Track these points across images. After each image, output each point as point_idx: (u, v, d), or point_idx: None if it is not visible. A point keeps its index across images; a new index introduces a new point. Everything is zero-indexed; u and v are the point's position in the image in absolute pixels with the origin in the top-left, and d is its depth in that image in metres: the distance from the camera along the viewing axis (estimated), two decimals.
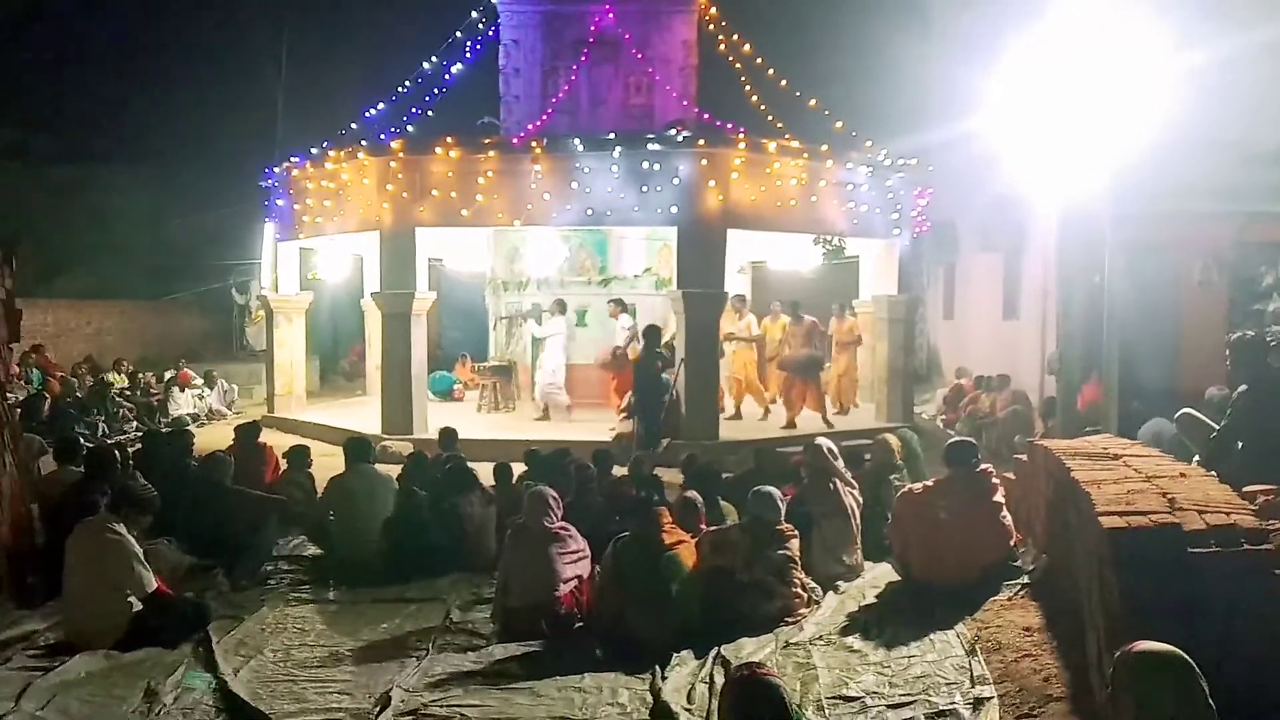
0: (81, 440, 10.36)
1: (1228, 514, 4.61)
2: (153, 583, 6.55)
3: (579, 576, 7.05)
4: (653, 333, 13.19)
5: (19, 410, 9.26)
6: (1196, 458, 7.15)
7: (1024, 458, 8.12)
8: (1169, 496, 4.96)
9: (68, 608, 6.55)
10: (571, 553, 7.05)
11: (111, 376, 18.15)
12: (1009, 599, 6.64)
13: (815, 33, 23.28)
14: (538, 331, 15.45)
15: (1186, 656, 3.04)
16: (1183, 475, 5.55)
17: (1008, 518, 7.26)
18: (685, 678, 5.95)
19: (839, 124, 16.21)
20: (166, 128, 28.35)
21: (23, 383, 15.26)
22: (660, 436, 12.87)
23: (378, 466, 9.31)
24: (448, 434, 10.65)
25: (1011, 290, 17.63)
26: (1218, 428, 7.09)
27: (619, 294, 15.88)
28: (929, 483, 7.66)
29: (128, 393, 17.62)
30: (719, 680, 5.75)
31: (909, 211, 15.74)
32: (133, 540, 6.55)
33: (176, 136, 28.21)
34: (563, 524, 7.15)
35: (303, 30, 27.84)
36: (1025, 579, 6.89)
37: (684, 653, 6.27)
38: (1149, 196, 9.82)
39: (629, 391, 14.53)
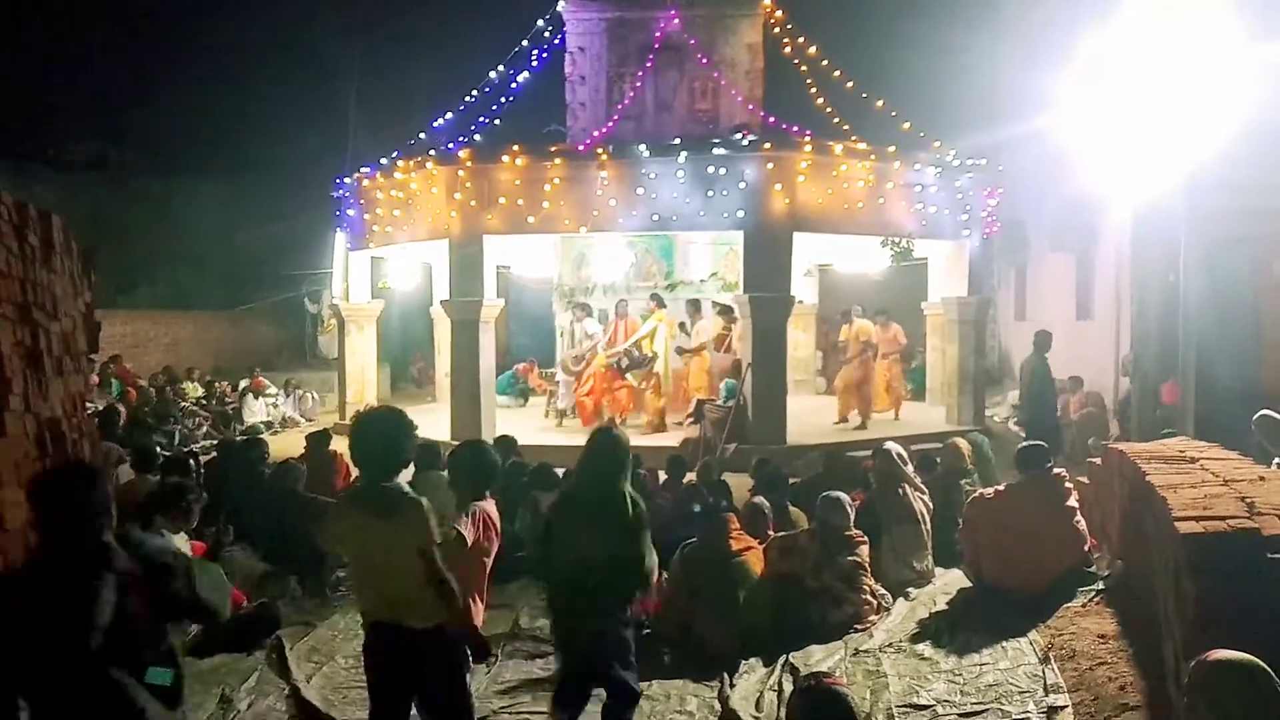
0: (158, 449, 10.59)
1: None
2: None
3: None
4: (1043, 337, 12.59)
5: (96, 420, 9.48)
6: (1277, 460, 6.96)
7: (1098, 461, 7.97)
8: (1248, 500, 4.83)
9: None
10: None
11: (187, 386, 18.55)
12: (1083, 605, 6.52)
13: (882, 32, 23.07)
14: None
15: (1265, 665, 2.96)
16: (1262, 479, 5.40)
17: (1082, 523, 7.13)
18: (753, 685, 5.93)
19: (906, 124, 16.03)
20: (241, 140, 29.06)
21: (102, 392, 15.65)
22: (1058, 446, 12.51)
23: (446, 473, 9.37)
24: (505, 442, 10.66)
25: (1084, 290, 17.33)
26: None
27: (688, 297, 15.84)
28: (1000, 487, 7.56)
29: (203, 401, 17.99)
30: (787, 688, 5.72)
31: (978, 212, 15.52)
32: (171, 537, 6.55)
33: (250, 148, 28.89)
34: None
35: (373, 43, 28.32)
36: (1100, 585, 6.77)
37: (752, 660, 6.25)
38: (1226, 192, 9.57)
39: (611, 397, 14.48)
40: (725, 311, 15.22)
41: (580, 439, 13.36)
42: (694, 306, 15.30)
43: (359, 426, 4.50)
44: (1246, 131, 8.83)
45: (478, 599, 4.93)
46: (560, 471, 9.35)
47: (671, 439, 13.69)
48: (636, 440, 13.12)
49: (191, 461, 9.49)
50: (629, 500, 4.98)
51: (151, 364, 21.89)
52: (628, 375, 14.51)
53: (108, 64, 28.76)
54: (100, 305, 8.12)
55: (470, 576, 4.97)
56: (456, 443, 5.48)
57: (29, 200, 6.04)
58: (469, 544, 4.80)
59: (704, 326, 15.14)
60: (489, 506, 4.92)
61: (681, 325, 15.34)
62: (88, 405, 7.66)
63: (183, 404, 17.23)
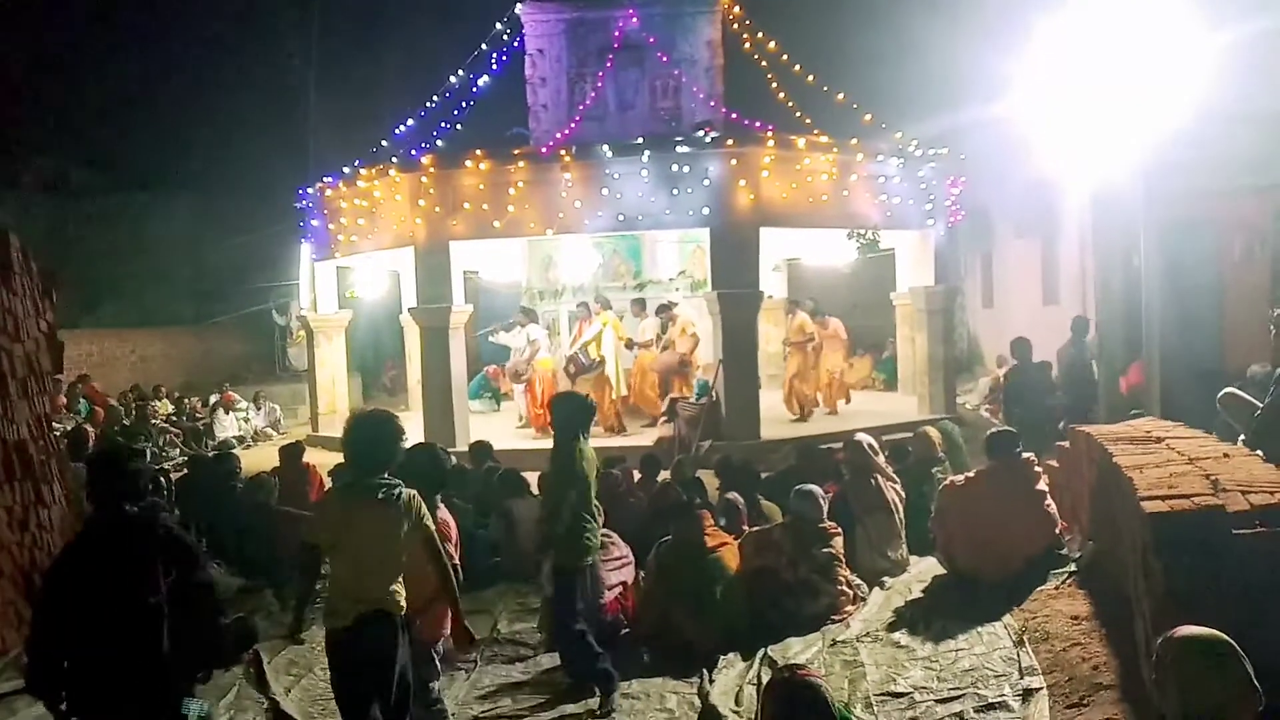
0: None
1: (1272, 493, 4.54)
2: None
3: (623, 583, 7.07)
4: (1081, 323, 12.18)
5: (65, 441, 9.39)
6: (1241, 437, 7.04)
7: (1067, 444, 8.04)
8: (1212, 478, 4.89)
9: None
10: (615, 559, 7.06)
11: (158, 405, 18.39)
12: (1056, 588, 6.59)
13: (840, 21, 23.15)
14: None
15: (1229, 640, 2.99)
16: (1226, 456, 5.47)
17: (1052, 506, 7.19)
18: (733, 680, 5.95)
19: (868, 116, 16.12)
20: (202, 154, 28.80)
21: (70, 413, 15.48)
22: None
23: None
24: (481, 447, 10.68)
25: (1050, 275, 17.46)
26: (1261, 405, 6.98)
27: (654, 297, 15.83)
28: (971, 474, 7.61)
29: (174, 418, 17.84)
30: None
31: (942, 201, 15.62)
32: None
33: (212, 162, 28.64)
34: (605, 531, 7.15)
35: (332, 53, 28.17)
36: (1072, 567, 6.83)
37: (730, 655, 6.28)
38: (1185, 174, 9.65)
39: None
40: (664, 309, 15.04)
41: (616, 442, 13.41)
42: (639, 305, 15.28)
43: (352, 426, 4.69)
44: (1204, 114, 8.92)
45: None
46: (534, 477, 9.34)
47: (632, 440, 13.71)
48: (597, 442, 13.21)
49: (162, 479, 9.42)
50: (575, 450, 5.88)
51: (119, 382, 21.69)
52: (578, 380, 14.55)
53: (67, 82, 28.42)
54: (64, 325, 8.07)
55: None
56: None
57: None
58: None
59: (649, 324, 15.08)
60: (443, 513, 5.15)
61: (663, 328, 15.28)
62: (55, 426, 7.60)
63: (154, 422, 17.07)
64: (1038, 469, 7.30)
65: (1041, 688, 5.25)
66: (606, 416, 14.48)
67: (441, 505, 5.26)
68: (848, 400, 16.64)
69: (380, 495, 4.43)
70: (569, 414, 6.05)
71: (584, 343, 14.51)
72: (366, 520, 4.43)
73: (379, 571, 4.43)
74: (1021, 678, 5.42)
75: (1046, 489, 7.23)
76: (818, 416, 15.39)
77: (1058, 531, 7.19)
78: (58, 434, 8.05)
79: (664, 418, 14.02)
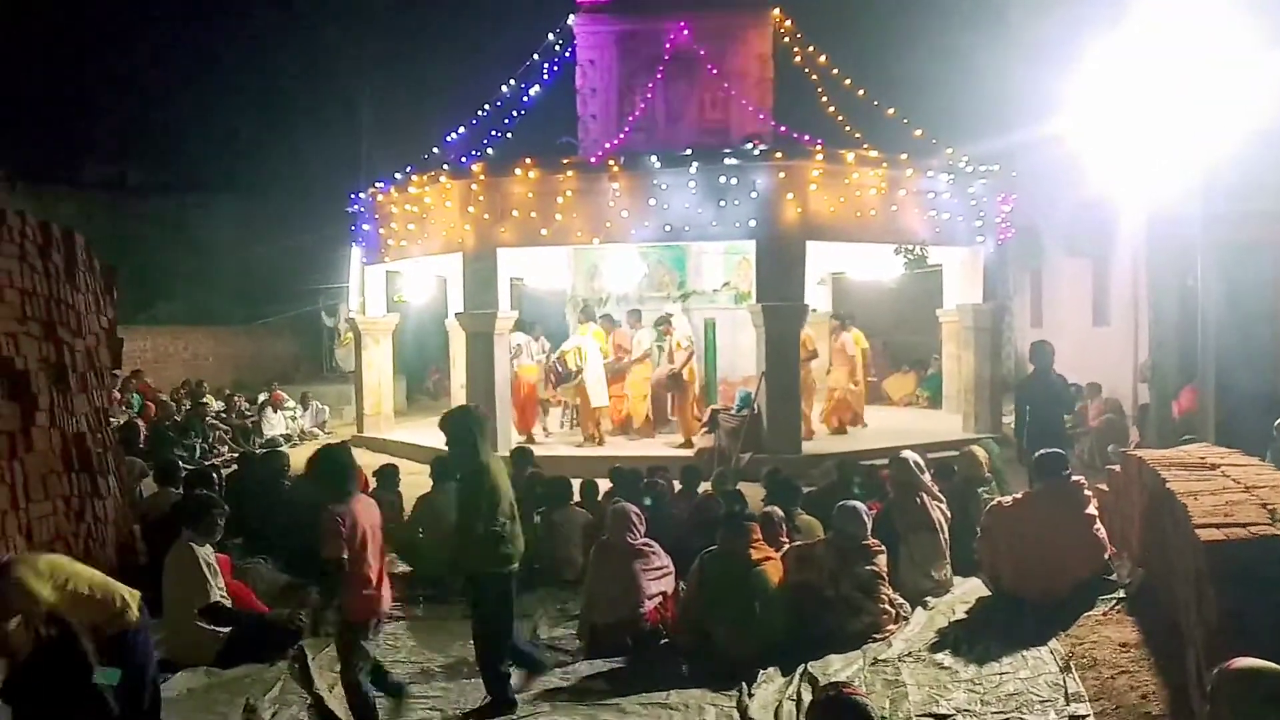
0: (180, 463, 10.65)
1: None
2: (212, 593, 6.66)
3: (664, 593, 7.07)
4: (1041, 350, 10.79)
5: (117, 435, 9.55)
6: None
7: (1117, 468, 7.93)
8: (1269, 507, 4.82)
9: (165, 626, 6.70)
10: (656, 569, 7.07)
11: (208, 399, 18.66)
12: (1104, 614, 6.48)
13: (893, 39, 23.08)
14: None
15: None
16: None
17: (1101, 530, 7.09)
18: (772, 695, 5.92)
19: (918, 131, 16.02)
20: (257, 157, 29.21)
21: (125, 408, 15.74)
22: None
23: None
24: (522, 453, 10.74)
25: (1101, 296, 17.27)
26: None
27: (700, 308, 15.86)
28: (1018, 495, 7.53)
29: (223, 415, 18.08)
30: (806, 698, 5.72)
31: (992, 218, 15.49)
32: (199, 549, 6.68)
33: (266, 165, 29.04)
34: (646, 540, 7.17)
35: (386, 59, 28.44)
36: (1121, 593, 6.72)
37: (770, 669, 6.24)
38: (1241, 195, 9.52)
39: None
40: (662, 321, 14.89)
41: (599, 452, 13.48)
42: (635, 316, 15.25)
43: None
44: (1262, 135, 8.80)
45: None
46: (576, 483, 9.37)
47: (609, 451, 13.76)
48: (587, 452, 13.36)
49: (214, 475, 9.55)
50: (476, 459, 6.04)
51: (172, 378, 22.05)
52: (557, 389, 14.60)
53: (125, 86, 28.96)
54: (120, 321, 8.19)
55: None
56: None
57: (52, 220, 6.11)
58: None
59: (644, 336, 15.02)
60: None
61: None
62: (110, 420, 7.73)
63: (207, 419, 17.33)
64: (1087, 492, 7.21)
65: (1088, 715, 5.19)
66: (586, 427, 14.71)
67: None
68: (849, 424, 15.82)
69: None
70: (460, 427, 6.13)
71: (561, 352, 14.58)
72: None
73: None
74: (1067, 704, 5.35)
75: (1096, 512, 7.14)
76: (863, 431, 15.29)
77: (1107, 556, 7.10)
78: (112, 427, 8.19)
79: (705, 429, 14.01)
